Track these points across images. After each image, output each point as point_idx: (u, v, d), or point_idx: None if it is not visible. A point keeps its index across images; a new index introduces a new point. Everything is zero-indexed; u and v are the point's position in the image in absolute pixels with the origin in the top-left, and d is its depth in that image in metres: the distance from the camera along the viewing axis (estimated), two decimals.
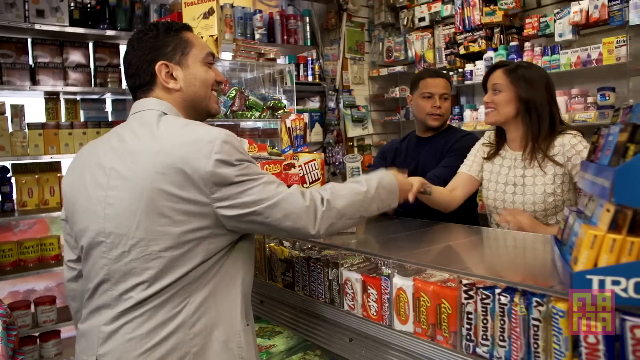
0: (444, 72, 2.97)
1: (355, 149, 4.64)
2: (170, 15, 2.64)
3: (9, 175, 3.26)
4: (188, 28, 1.48)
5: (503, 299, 1.12)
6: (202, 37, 2.37)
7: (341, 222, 1.37)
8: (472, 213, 2.35)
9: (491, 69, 2.03)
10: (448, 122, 2.52)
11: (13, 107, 3.25)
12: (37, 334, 3.18)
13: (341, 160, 4.57)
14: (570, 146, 1.86)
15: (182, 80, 1.41)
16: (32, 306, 3.19)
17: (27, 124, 3.27)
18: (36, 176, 3.34)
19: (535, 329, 1.07)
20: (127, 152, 1.30)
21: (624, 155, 0.91)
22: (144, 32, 1.41)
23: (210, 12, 2.39)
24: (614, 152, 0.95)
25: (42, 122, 3.32)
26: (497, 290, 1.14)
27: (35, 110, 3.44)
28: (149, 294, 1.24)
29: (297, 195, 1.30)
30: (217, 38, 2.40)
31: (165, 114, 1.36)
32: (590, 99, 2.98)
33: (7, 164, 3.26)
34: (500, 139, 2.08)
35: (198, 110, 1.47)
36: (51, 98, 3.46)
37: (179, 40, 1.42)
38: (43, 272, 3.23)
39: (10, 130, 3.19)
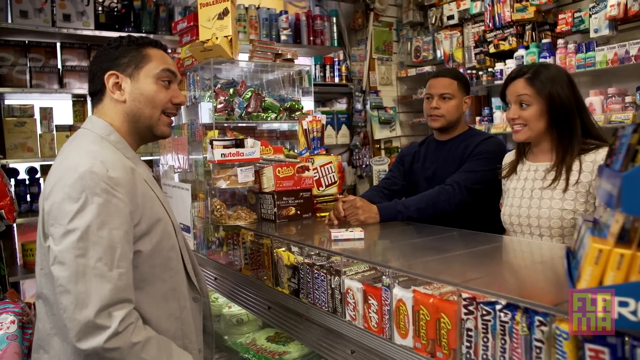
0: (453, 69, 2.88)
1: (383, 152, 4.54)
2: (187, 17, 2.63)
3: (37, 176, 3.35)
4: (156, 45, 1.46)
5: (504, 316, 1.02)
6: (216, 37, 2.35)
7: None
8: (492, 221, 2.21)
9: (510, 79, 1.82)
10: (470, 125, 2.40)
11: (42, 109, 3.34)
12: None
13: (368, 162, 4.48)
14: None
15: (129, 93, 1.39)
16: None
17: (55, 126, 3.36)
18: None
19: (538, 350, 0.97)
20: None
21: (634, 159, 0.80)
22: (110, 42, 1.42)
23: (225, 12, 2.36)
24: (625, 156, 0.85)
25: (69, 124, 3.41)
26: (498, 307, 1.04)
27: (63, 113, 3.53)
28: None
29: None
30: (231, 39, 2.37)
31: (103, 136, 1.37)
32: (628, 99, 2.78)
33: (36, 165, 3.35)
34: (521, 152, 1.91)
35: (141, 129, 1.43)
36: (78, 100, 3.54)
37: (137, 54, 1.40)
38: None
39: (39, 132, 3.28)
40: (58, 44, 3.43)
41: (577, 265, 0.95)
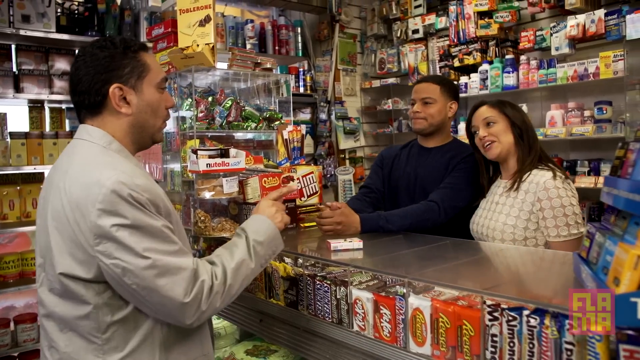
0: (439, 76, 2.98)
1: (347, 161, 4.59)
2: (164, 23, 2.55)
3: None
4: (145, 48, 1.41)
5: (532, 321, 1.06)
6: (197, 45, 2.30)
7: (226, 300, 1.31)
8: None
9: (474, 108, 2.03)
10: (454, 136, 2.46)
11: None
12: (16, 354, 3.03)
13: (333, 172, 4.51)
14: (543, 188, 1.78)
15: (135, 105, 1.35)
16: (12, 324, 3.04)
17: (10, 133, 3.14)
18: (18, 187, 3.21)
19: (569, 353, 1.01)
20: (51, 180, 1.30)
21: None
22: (100, 47, 1.32)
23: (207, 19, 2.31)
24: None
25: (25, 132, 3.20)
26: (525, 312, 1.08)
27: (19, 119, 3.31)
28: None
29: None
30: (213, 46, 2.32)
31: (104, 146, 1.32)
32: (587, 113, 2.98)
33: None
34: (488, 173, 2.10)
35: (143, 137, 1.41)
36: (35, 106, 3.33)
37: (136, 63, 1.35)
38: (24, 289, 3.08)
39: None
40: (13, 46, 3.22)
41: (603, 270, 1.00)
